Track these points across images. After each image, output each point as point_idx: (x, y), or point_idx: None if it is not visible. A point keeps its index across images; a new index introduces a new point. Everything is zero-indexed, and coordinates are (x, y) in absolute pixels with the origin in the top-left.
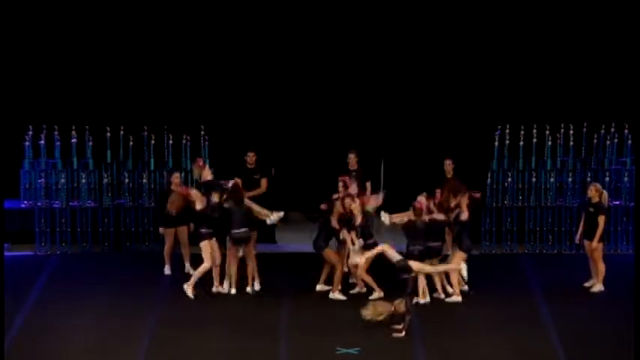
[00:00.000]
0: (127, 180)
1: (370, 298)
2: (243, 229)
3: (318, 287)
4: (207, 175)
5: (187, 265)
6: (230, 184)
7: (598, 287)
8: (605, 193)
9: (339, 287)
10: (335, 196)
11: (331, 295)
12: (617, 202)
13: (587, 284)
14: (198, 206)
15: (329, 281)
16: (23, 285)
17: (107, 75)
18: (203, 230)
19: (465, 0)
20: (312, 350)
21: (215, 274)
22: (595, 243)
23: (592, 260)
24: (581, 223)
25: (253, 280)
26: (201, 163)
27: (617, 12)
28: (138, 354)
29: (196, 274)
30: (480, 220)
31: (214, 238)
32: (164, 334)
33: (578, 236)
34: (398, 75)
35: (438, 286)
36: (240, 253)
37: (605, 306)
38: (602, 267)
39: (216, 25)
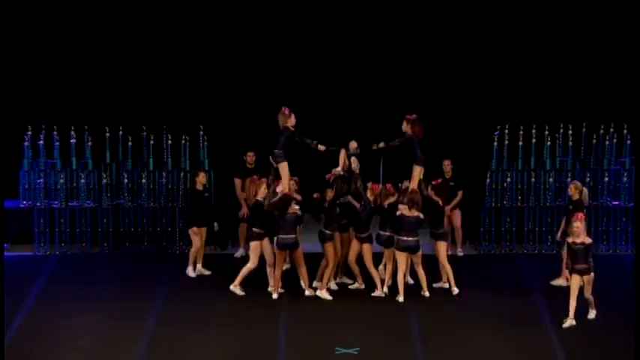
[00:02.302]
0: (126, 180)
1: (350, 287)
2: (290, 235)
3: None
4: (291, 123)
5: (199, 266)
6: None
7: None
8: (586, 191)
9: (327, 285)
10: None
11: (318, 293)
12: (616, 203)
13: (554, 282)
14: (260, 196)
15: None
16: (22, 285)
17: (106, 75)
18: (255, 230)
19: (465, 0)
20: (311, 350)
21: (270, 273)
22: None
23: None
24: (563, 222)
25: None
26: (287, 112)
27: (616, 12)
28: (138, 354)
29: (241, 273)
30: (479, 218)
31: (266, 239)
32: (164, 335)
33: (558, 234)
34: (397, 76)
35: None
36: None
37: (605, 306)
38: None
39: (215, 25)
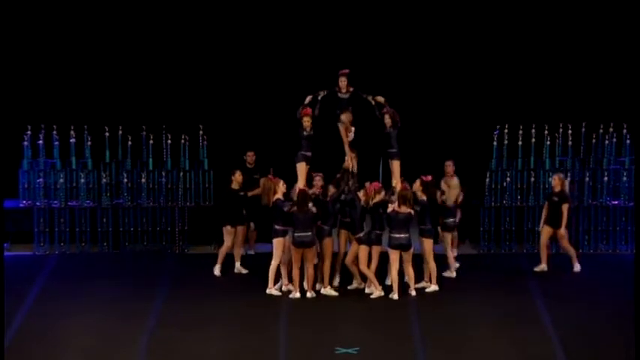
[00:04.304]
0: (125, 180)
1: (349, 287)
2: (306, 233)
3: (317, 287)
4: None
5: (237, 264)
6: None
7: (541, 267)
8: (567, 182)
9: (327, 281)
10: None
11: (323, 291)
12: (616, 202)
13: (537, 269)
14: (280, 193)
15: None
16: (22, 285)
17: (106, 75)
18: (278, 227)
19: (464, 0)
20: (311, 350)
21: (284, 272)
22: (562, 230)
23: (544, 247)
24: (544, 213)
25: (314, 284)
26: (309, 112)
27: (615, 11)
28: (138, 355)
29: (270, 274)
30: (478, 217)
31: (288, 236)
32: (164, 335)
33: (541, 225)
34: (397, 75)
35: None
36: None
37: (604, 306)
38: (572, 250)
39: (214, 24)
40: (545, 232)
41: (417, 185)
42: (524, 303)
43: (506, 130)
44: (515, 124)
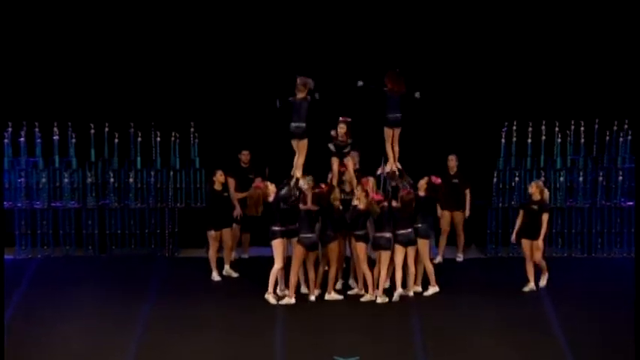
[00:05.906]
0: (112, 179)
1: (349, 292)
2: (312, 234)
3: (317, 293)
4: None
5: (227, 267)
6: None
7: (530, 287)
8: (547, 191)
9: (334, 287)
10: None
11: (327, 297)
12: (631, 203)
13: (526, 289)
14: (270, 198)
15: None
16: (4, 290)
17: (91, 69)
18: (275, 228)
19: None
20: (309, 356)
21: (277, 276)
22: (540, 242)
23: (529, 261)
24: (518, 222)
25: (316, 286)
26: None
27: (628, 6)
28: None
29: (271, 278)
30: (485, 220)
31: (286, 237)
32: (153, 340)
33: (514, 236)
34: (402, 70)
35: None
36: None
37: (617, 312)
38: (544, 264)
39: (206, 19)
40: (527, 246)
41: (422, 183)
42: (531, 308)
43: (514, 127)
44: (524, 120)
